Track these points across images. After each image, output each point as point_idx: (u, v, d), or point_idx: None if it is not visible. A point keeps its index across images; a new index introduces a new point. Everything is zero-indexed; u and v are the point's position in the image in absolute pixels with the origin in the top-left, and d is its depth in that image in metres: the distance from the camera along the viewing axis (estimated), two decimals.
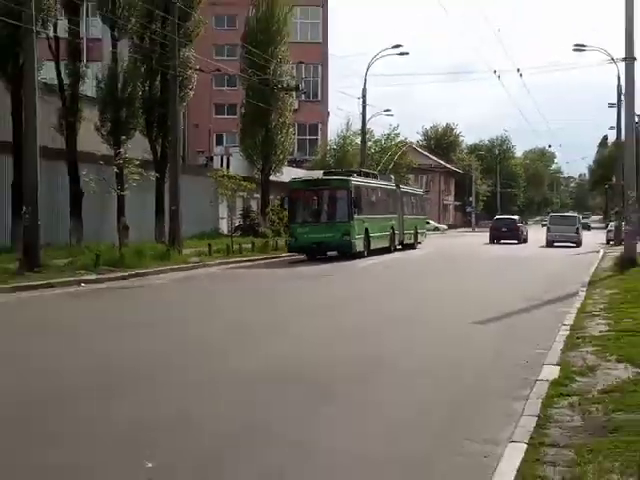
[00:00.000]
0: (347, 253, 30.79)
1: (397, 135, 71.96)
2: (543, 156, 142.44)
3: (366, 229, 32.47)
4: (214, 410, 8.01)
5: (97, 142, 31.95)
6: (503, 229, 55.56)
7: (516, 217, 63.25)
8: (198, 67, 37.30)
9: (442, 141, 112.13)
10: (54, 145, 29.31)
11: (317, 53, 65.19)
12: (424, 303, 18.00)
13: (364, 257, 31.39)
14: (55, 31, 30.43)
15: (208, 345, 12.31)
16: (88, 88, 33.41)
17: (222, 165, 51.37)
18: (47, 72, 29.72)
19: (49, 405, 8.26)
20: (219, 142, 58.26)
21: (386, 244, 36.37)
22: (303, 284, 23.24)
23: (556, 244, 48.99)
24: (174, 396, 8.63)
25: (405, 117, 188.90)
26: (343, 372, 9.89)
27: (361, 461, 6.36)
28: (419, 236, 43.90)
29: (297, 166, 54.80)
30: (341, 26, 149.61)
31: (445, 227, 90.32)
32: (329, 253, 31.22)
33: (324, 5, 67.33)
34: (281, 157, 47.53)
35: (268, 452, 6.70)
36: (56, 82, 30.82)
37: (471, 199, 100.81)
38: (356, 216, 31.12)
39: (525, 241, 55.32)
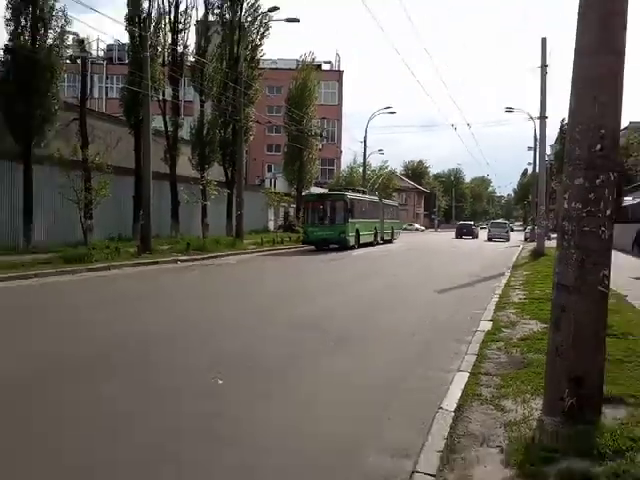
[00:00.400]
0: (343, 246, 30.36)
1: (386, 167, 73.28)
2: (483, 182, 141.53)
3: (357, 229, 32.13)
4: (268, 346, 8.25)
5: (189, 169, 32.11)
6: (464, 229, 60.92)
7: (471, 222, 70.21)
8: (256, 120, 37.41)
9: (416, 171, 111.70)
10: (161, 170, 29.53)
11: (335, 112, 65.25)
12: (403, 279, 18.05)
13: (355, 249, 31.14)
14: (163, 95, 30.59)
15: (261, 305, 12.27)
16: (184, 133, 33.60)
17: (271, 185, 51.73)
18: (157, 122, 30.01)
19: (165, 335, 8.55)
20: (269, 170, 58.40)
21: (371, 240, 35.79)
22: (322, 264, 23.32)
23: (493, 240, 52.05)
24: (241, 335, 8.87)
25: (392, 154, 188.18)
26: (349, 321, 9.99)
27: (361, 372, 6.64)
28: (395, 234, 43.24)
29: (320, 186, 54.73)
30: (351, 92, 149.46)
31: (423, 228, 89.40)
32: (331, 245, 30.49)
33: (339, 80, 67.49)
34: (310, 180, 47.47)
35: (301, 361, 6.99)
36: (163, 129, 31.04)
37: (435, 210, 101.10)
38: (350, 220, 30.86)
39: (477, 237, 59.47)
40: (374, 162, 68.32)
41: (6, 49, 22.38)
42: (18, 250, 20.28)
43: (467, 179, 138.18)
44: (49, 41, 22.13)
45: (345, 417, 5.23)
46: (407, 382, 6.39)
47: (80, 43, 26.16)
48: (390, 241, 41.19)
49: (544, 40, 27.12)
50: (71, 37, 24.06)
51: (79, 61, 25.94)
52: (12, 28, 21.71)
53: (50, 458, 4.28)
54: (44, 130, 22.03)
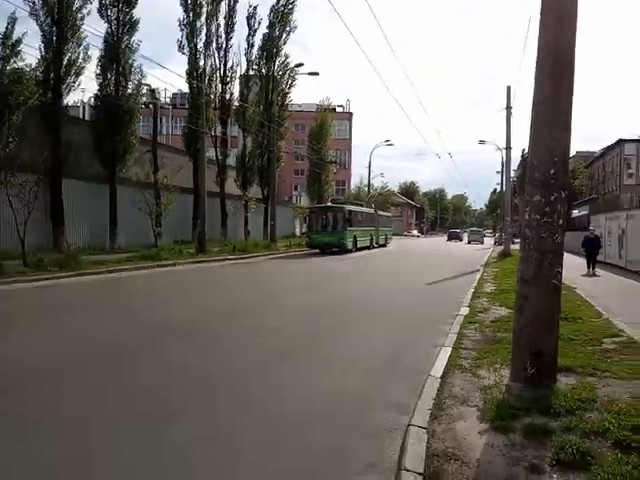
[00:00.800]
0: (342, 249, 28.33)
1: (387, 187, 72.84)
2: (462, 198, 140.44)
3: (354, 235, 30.10)
4: (295, 323, 8.25)
5: (234, 188, 32.23)
6: (453, 235, 62.84)
7: (459, 230, 72.18)
8: (285, 151, 37.51)
9: (409, 190, 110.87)
10: (213, 189, 29.67)
11: (346, 144, 65.10)
12: (398, 275, 17.92)
13: (353, 252, 29.36)
14: (215, 132, 30.75)
15: (287, 291, 12.32)
16: (231, 161, 33.75)
17: (297, 201, 51.75)
18: (210, 153, 30.15)
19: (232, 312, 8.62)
20: (295, 189, 58.39)
21: (367, 244, 33.93)
22: (331, 262, 23.04)
23: (472, 242, 53.67)
24: (274, 316, 8.85)
25: (390, 176, 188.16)
26: (356, 307, 9.98)
27: (365, 344, 6.62)
28: (388, 239, 41.19)
29: (333, 202, 54.60)
30: (359, 127, 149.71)
31: (419, 234, 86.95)
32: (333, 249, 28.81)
33: (350, 119, 67.37)
34: (327, 197, 47.33)
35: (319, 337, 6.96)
36: (215, 158, 31.23)
37: (424, 220, 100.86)
38: (348, 228, 28.89)
39: (462, 240, 60.22)
40: (376, 183, 68.17)
41: (96, 97, 22.83)
42: (105, 250, 20.60)
43: (449, 196, 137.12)
44: (129, 91, 22.47)
45: (356, 384, 5.22)
46: (402, 354, 6.37)
47: (152, 92, 26.39)
48: (384, 245, 39.66)
49: (509, 88, 27.49)
50: (145, 88, 24.29)
51: (151, 106, 26.18)
52: (101, 81, 22.12)
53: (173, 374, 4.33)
54: (125, 159, 22.36)
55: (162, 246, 21.28)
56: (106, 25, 22.10)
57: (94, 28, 34.85)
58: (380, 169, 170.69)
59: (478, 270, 18.67)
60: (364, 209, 36.07)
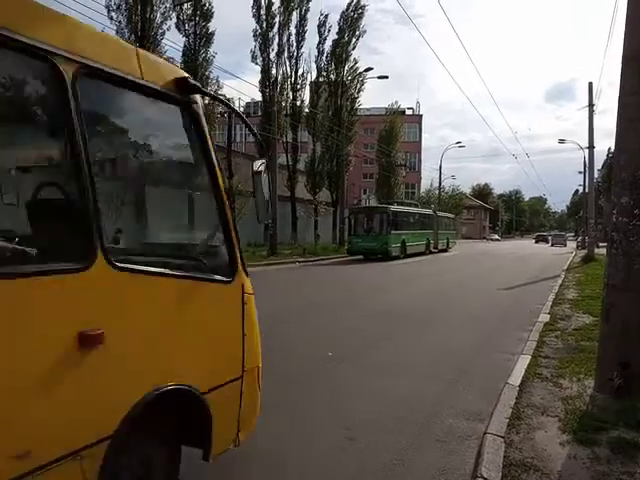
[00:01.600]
0: (386, 256, 24.51)
1: (459, 190, 70.14)
2: (540, 200, 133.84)
3: (403, 240, 26.22)
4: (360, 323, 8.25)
5: (304, 192, 32.83)
6: (540, 238, 65.38)
7: (546, 233, 72.92)
8: (354, 155, 37.63)
9: (482, 192, 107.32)
10: (284, 194, 30.31)
11: (416, 147, 64.35)
12: (465, 279, 17.38)
13: (400, 258, 25.58)
14: (286, 138, 31.48)
15: (354, 293, 12.33)
16: (301, 166, 34.36)
17: (366, 204, 51.63)
18: (281, 159, 30.87)
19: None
20: (364, 193, 58.19)
21: (422, 249, 30.02)
22: (376, 269, 22.71)
23: (554, 245, 52.56)
24: (347, 316, 8.88)
25: (462, 179, 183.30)
26: (423, 311, 9.83)
27: (439, 351, 6.50)
28: (450, 244, 36.89)
29: (401, 203, 54.03)
30: (430, 129, 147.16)
31: (498, 237, 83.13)
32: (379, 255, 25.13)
33: (419, 122, 66.54)
34: (396, 199, 47.02)
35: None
36: (285, 163, 31.91)
37: (498, 223, 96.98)
38: (393, 231, 24.98)
39: (547, 243, 59.43)
40: (447, 185, 66.48)
41: None
42: None
43: (526, 198, 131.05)
44: (206, 101, 23.47)
45: (427, 388, 5.15)
46: (477, 361, 6.19)
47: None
48: (445, 250, 35.78)
49: (590, 84, 25.92)
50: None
51: (226, 115, 27.26)
52: None
53: None
54: None
55: None
56: (184, 39, 23.35)
57: (173, 42, 36.85)
58: (451, 171, 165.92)
59: (559, 275, 17.64)
60: (416, 210, 32.53)
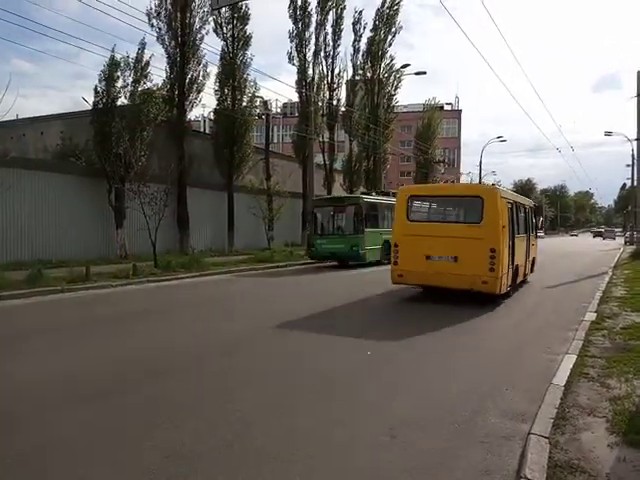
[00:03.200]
0: (357, 261, 18.76)
1: (499, 184, 68.42)
2: (586, 195, 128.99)
3: (385, 241, 18.43)
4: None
5: (341, 191, 32.78)
6: (597, 233, 69.32)
7: (602, 229, 75.17)
8: (392, 153, 37.35)
9: (525, 187, 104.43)
10: (320, 194, 30.33)
11: (455, 143, 63.33)
12: None
13: (384, 264, 17.06)
14: (322, 138, 31.52)
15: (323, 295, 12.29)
16: (337, 165, 34.38)
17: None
18: (318, 158, 30.96)
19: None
20: None
21: None
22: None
23: (606, 239, 56.24)
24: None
25: (503, 174, 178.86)
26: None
27: (481, 349, 6.39)
28: None
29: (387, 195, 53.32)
30: (469, 124, 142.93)
31: (542, 234, 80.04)
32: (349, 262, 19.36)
33: (459, 117, 65.40)
34: (378, 189, 46.39)
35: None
36: (322, 163, 31.98)
37: (542, 219, 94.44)
38: (366, 229, 18.73)
39: (604, 238, 61.77)
40: (488, 181, 64.90)
41: (215, 111, 24.52)
42: (224, 253, 22.09)
43: (571, 192, 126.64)
44: (243, 104, 23.84)
45: (470, 389, 5.08)
46: (521, 361, 6.06)
47: (264, 104, 27.82)
48: None
49: (639, 73, 24.71)
50: (258, 100, 25.64)
51: (264, 117, 27.58)
52: (218, 96, 23.74)
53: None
54: (241, 168, 23.82)
55: (274, 248, 22.27)
56: (222, 42, 23.71)
57: (211, 46, 37.51)
58: (492, 166, 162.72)
59: (606, 272, 17.02)
60: None
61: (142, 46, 19.21)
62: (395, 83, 35.87)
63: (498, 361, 6.04)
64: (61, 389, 4.79)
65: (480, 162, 49.29)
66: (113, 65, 18.30)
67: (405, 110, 49.73)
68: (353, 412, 4.30)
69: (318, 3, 29.50)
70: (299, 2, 28.60)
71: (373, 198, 21.10)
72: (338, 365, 5.72)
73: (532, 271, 14.36)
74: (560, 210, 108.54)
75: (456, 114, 65.47)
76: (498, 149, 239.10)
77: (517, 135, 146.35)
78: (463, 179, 66.14)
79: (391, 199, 19.50)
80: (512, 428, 3.93)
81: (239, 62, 23.70)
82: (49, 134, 22.89)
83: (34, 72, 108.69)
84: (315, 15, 29.48)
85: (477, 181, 52.19)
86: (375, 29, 33.82)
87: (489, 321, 8.65)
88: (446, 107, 62.23)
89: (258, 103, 25.70)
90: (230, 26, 23.70)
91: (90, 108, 18.49)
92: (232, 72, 23.39)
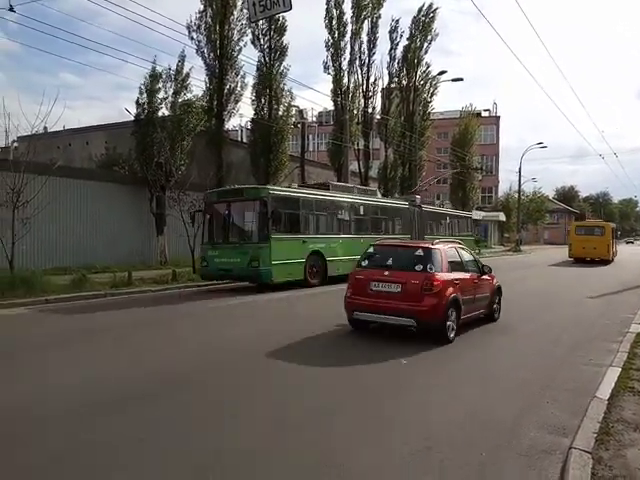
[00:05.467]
0: (261, 282, 13.34)
1: (540, 193, 66.21)
2: (630, 202, 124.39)
3: (317, 253, 14.47)
4: None
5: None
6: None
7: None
8: (428, 160, 37.00)
9: (567, 195, 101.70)
10: None
11: (492, 149, 62.01)
12: (549, 288, 16.42)
13: (314, 286, 14.02)
14: (357, 145, 31.52)
15: None
16: (373, 173, 34.30)
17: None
18: (353, 166, 30.94)
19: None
20: (438, 198, 56.83)
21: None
22: None
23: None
24: None
25: (543, 181, 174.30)
26: (507, 319, 9.43)
27: (520, 359, 6.23)
28: None
29: (479, 209, 52.23)
30: (508, 130, 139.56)
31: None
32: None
33: (497, 124, 64.17)
34: (471, 205, 45.63)
35: None
36: (357, 170, 31.97)
37: None
38: (274, 235, 13.10)
39: None
40: (528, 188, 63.28)
41: (252, 120, 24.94)
42: None
43: (615, 200, 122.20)
44: (280, 113, 24.14)
45: (508, 400, 4.98)
46: (563, 373, 5.88)
47: (300, 113, 28.11)
48: None
49: None
50: (294, 109, 25.90)
51: (299, 126, 27.82)
52: (255, 105, 24.14)
53: None
54: (277, 176, 24.06)
55: None
56: (259, 53, 24.12)
57: (248, 57, 38.20)
58: (532, 173, 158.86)
59: None
60: (350, 197, 17.17)
61: (182, 58, 19.78)
62: (431, 90, 35.73)
63: (540, 371, 5.89)
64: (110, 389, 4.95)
65: (519, 169, 48.26)
66: (154, 77, 18.91)
67: (441, 117, 49.21)
68: (385, 428, 4.27)
69: (353, 13, 29.65)
70: (334, 12, 28.80)
71: (289, 191, 14.93)
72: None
73: None
74: (604, 219, 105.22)
75: (494, 120, 64.25)
76: (539, 155, 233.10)
77: (558, 141, 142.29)
78: (501, 187, 64.93)
79: (323, 194, 15.86)
80: (553, 442, 3.83)
81: (275, 72, 24.04)
82: (94, 144, 23.78)
83: (79, 84, 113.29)
84: (350, 24, 29.62)
85: (516, 188, 51.14)
86: (411, 37, 33.78)
87: (529, 333, 8.43)
88: (484, 113, 61.22)
89: (294, 112, 25.98)
90: (267, 37, 24.09)
91: (132, 118, 19.14)
92: (269, 82, 23.74)
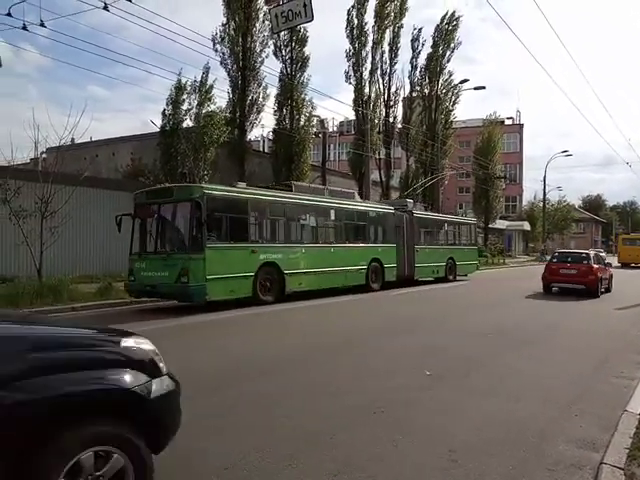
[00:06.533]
0: (192, 301, 11.11)
1: (565, 201, 65.03)
2: None
3: (266, 263, 12.23)
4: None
5: None
6: None
7: None
8: (450, 168, 36.77)
9: (593, 203, 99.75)
10: None
11: (516, 158, 61.35)
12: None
13: (269, 303, 11.92)
14: (379, 155, 31.57)
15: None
16: (394, 182, 34.24)
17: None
18: (374, 175, 31.00)
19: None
20: (460, 207, 56.47)
21: (362, 282, 15.71)
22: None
23: None
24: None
25: (569, 190, 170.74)
26: (536, 328, 9.25)
27: (550, 373, 6.11)
28: (461, 268, 21.79)
29: (503, 219, 51.53)
30: (532, 138, 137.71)
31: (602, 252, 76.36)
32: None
33: (520, 132, 63.50)
34: (495, 214, 45.08)
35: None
36: (378, 179, 31.96)
37: (611, 237, 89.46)
38: (210, 245, 10.88)
39: None
40: (553, 198, 62.28)
41: (274, 131, 25.19)
42: None
43: None
44: (301, 123, 24.36)
45: (536, 412, 4.87)
46: (592, 386, 5.73)
47: (321, 122, 28.31)
48: (447, 279, 20.35)
49: None
50: (315, 119, 26.12)
51: (320, 135, 28.01)
52: (277, 116, 24.40)
53: None
54: None
55: None
56: (281, 65, 24.44)
57: (270, 68, 38.68)
58: (558, 182, 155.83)
59: None
60: (319, 199, 15.04)
61: (206, 70, 20.20)
62: (453, 99, 35.64)
63: (568, 384, 5.74)
64: None
65: (544, 177, 47.66)
66: (179, 88, 19.32)
67: (464, 125, 48.95)
68: (409, 435, 4.23)
69: (375, 22, 29.83)
70: (356, 22, 29.03)
71: (233, 191, 12.28)
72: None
73: None
74: (631, 228, 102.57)
75: (517, 128, 63.59)
76: (564, 164, 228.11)
77: (584, 149, 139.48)
78: (525, 196, 64.01)
79: (281, 195, 13.66)
80: (582, 456, 3.72)
81: (297, 83, 24.30)
82: (120, 155, 24.30)
83: (107, 97, 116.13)
84: (372, 34, 29.83)
85: (541, 197, 50.33)
86: (434, 45, 33.82)
87: (557, 346, 8.26)
88: (507, 122, 60.68)
89: (315, 122, 26.18)
90: (289, 48, 24.41)
91: (157, 130, 19.55)
92: (290, 93, 24.00)
